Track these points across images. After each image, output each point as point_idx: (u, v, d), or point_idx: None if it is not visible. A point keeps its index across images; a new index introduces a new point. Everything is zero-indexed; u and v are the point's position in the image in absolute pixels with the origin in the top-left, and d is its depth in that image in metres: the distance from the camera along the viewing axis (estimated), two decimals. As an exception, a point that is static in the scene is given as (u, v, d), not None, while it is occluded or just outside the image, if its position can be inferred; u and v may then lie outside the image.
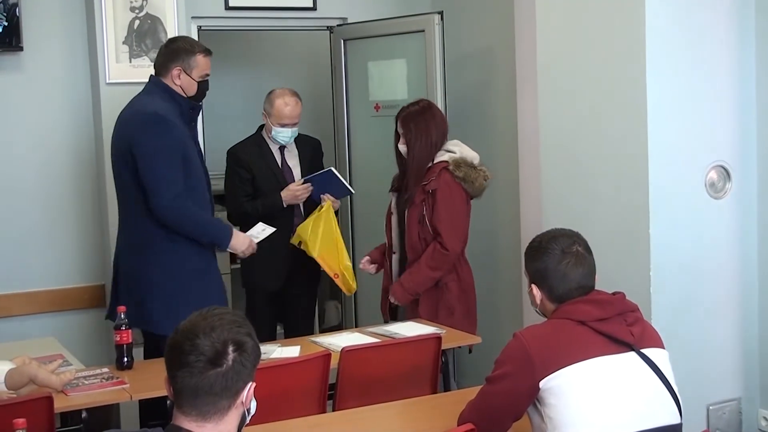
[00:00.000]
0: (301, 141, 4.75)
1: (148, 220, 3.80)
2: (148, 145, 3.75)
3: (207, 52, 3.94)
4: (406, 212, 4.22)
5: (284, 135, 4.58)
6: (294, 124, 4.59)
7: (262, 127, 4.72)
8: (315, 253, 4.41)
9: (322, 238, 4.41)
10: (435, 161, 4.17)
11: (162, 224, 3.79)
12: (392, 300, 4.24)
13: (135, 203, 3.84)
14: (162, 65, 3.91)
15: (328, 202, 4.47)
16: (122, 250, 3.97)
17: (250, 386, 2.03)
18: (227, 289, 5.15)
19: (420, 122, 4.18)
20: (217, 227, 3.98)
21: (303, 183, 4.56)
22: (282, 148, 4.67)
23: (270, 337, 4.51)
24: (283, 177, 4.61)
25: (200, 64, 3.90)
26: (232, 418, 2.01)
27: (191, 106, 3.92)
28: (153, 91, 3.89)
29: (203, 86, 3.95)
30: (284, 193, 4.51)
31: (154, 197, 3.75)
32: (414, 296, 4.18)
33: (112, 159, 3.97)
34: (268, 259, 4.46)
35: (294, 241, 4.49)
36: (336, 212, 4.64)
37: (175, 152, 3.77)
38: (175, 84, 3.88)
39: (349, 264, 4.53)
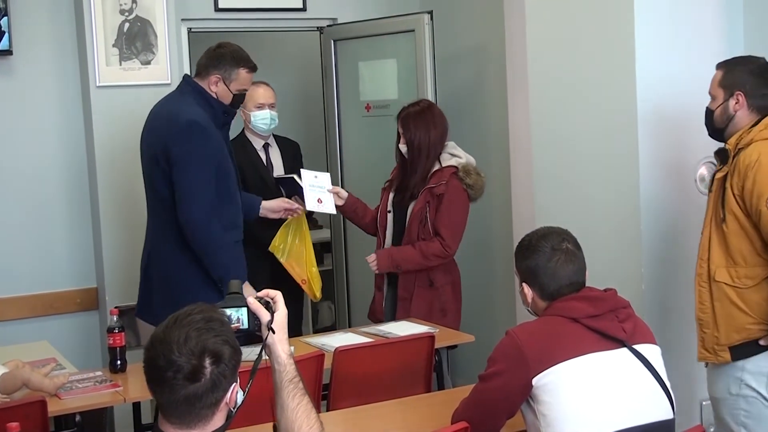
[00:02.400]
0: (282, 143, 4.71)
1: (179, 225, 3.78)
2: (183, 155, 3.70)
3: (251, 69, 3.89)
4: (408, 211, 4.24)
5: (263, 117, 4.48)
6: (271, 105, 4.51)
7: (244, 130, 4.65)
8: (283, 259, 4.39)
9: (291, 243, 4.40)
10: (444, 165, 4.20)
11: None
12: (372, 265, 4.25)
13: (173, 208, 3.77)
14: (203, 68, 3.86)
15: (301, 207, 4.45)
16: (159, 248, 3.89)
17: (233, 388, 2.01)
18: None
19: (419, 122, 4.20)
20: (227, 268, 3.75)
21: (276, 183, 4.55)
22: (266, 146, 4.61)
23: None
24: (269, 176, 4.56)
25: (241, 78, 3.85)
26: (218, 420, 2.01)
27: (225, 110, 3.88)
28: (187, 93, 3.84)
29: (238, 98, 3.93)
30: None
31: (184, 208, 3.72)
32: (394, 270, 4.23)
33: (143, 162, 3.89)
34: (254, 266, 4.44)
35: (271, 248, 4.44)
36: (310, 214, 4.61)
37: (209, 163, 3.74)
38: (211, 90, 3.83)
39: (316, 270, 4.47)
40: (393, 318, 4.28)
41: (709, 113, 3.26)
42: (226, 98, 3.86)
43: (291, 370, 2.24)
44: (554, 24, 4.11)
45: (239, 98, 3.93)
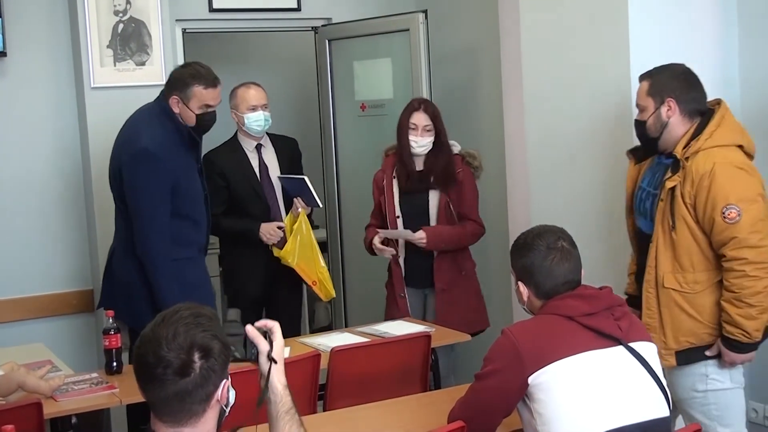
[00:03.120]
0: (278, 141, 4.65)
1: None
2: (133, 180, 3.77)
3: (208, 84, 3.81)
4: (429, 204, 4.29)
5: (257, 119, 4.42)
6: (264, 106, 4.45)
7: (237, 133, 4.60)
8: (293, 263, 4.39)
9: (300, 247, 4.40)
10: (455, 153, 4.33)
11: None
12: (421, 241, 4.22)
13: (128, 219, 3.86)
14: (165, 91, 3.87)
15: (302, 210, 4.44)
16: (118, 251, 3.97)
17: (224, 384, 2.01)
18: (215, 291, 5.13)
19: (441, 114, 4.31)
20: (168, 295, 3.72)
21: (281, 181, 4.54)
22: (259, 146, 4.54)
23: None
24: (259, 183, 4.50)
25: (197, 95, 3.79)
26: (210, 418, 2.01)
27: (190, 134, 3.85)
28: (157, 113, 3.85)
29: (204, 118, 3.84)
30: (263, 227, 4.41)
31: (138, 232, 3.80)
32: (439, 246, 4.28)
33: (109, 170, 3.96)
34: (250, 265, 4.44)
35: (283, 254, 4.44)
36: (309, 215, 4.63)
37: (159, 190, 3.76)
38: (175, 112, 3.83)
39: (325, 269, 4.49)
40: (422, 316, 4.36)
41: (640, 124, 3.26)
42: (190, 119, 3.83)
43: (287, 401, 2.23)
44: (548, 23, 4.11)
45: (205, 118, 3.86)
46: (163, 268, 3.79)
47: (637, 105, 3.28)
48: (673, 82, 3.20)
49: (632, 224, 3.42)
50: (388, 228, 4.37)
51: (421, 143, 4.24)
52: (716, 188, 3.02)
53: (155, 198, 3.76)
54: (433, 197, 4.31)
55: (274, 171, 4.56)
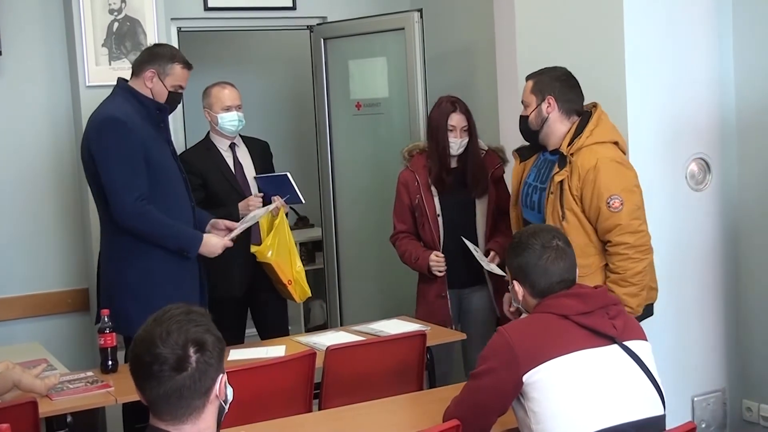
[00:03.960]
0: (250, 143, 4.61)
1: (117, 225, 3.75)
2: (104, 149, 3.69)
3: (187, 66, 3.87)
4: (477, 206, 4.26)
5: (231, 119, 4.40)
6: (238, 107, 4.42)
7: (209, 133, 4.55)
8: (271, 258, 4.35)
9: (278, 245, 4.37)
10: (486, 149, 4.34)
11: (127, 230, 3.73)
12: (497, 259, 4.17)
13: (104, 210, 3.80)
14: (138, 65, 3.87)
15: (281, 209, 4.40)
16: (101, 254, 3.94)
17: (221, 379, 2.02)
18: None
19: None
20: (183, 234, 3.79)
21: (258, 181, 4.48)
22: (232, 145, 4.49)
23: (238, 343, 4.35)
24: (235, 179, 4.46)
25: (176, 73, 3.83)
26: (209, 414, 2.02)
27: (158, 107, 3.84)
28: (117, 94, 3.85)
29: (174, 97, 3.87)
30: (242, 204, 4.35)
31: (114, 203, 3.70)
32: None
33: (83, 166, 3.92)
34: (228, 266, 4.37)
35: (262, 249, 4.39)
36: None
37: (133, 155, 3.68)
38: (146, 86, 3.81)
39: (301, 269, 4.43)
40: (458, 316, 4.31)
41: (523, 119, 3.59)
42: (161, 95, 3.84)
43: None
44: (544, 22, 4.12)
45: (175, 97, 3.88)
46: (153, 218, 3.69)
47: (522, 102, 3.59)
48: (555, 83, 3.51)
49: (516, 216, 3.74)
50: (416, 231, 4.32)
51: (460, 144, 4.21)
52: (601, 181, 3.34)
53: (127, 164, 3.68)
54: (480, 204, 4.26)
55: (249, 170, 4.51)
